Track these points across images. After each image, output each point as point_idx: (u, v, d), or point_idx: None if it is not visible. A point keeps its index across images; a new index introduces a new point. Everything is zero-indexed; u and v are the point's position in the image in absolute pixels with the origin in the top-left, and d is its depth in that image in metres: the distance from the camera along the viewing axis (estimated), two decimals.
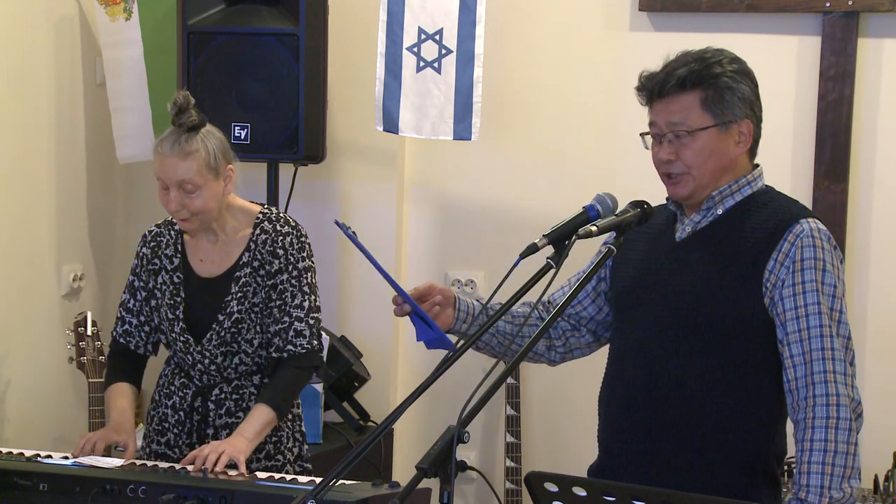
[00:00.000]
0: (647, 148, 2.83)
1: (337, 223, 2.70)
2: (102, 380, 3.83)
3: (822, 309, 2.66)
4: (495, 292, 2.52)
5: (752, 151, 2.83)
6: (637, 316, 2.83)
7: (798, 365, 2.65)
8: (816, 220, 2.73)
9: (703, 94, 2.73)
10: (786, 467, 4.08)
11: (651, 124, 2.80)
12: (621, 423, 2.83)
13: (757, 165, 2.84)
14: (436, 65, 4.35)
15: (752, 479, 2.74)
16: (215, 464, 3.06)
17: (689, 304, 2.74)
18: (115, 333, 3.48)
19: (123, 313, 3.46)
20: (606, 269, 2.95)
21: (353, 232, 2.67)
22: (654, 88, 2.77)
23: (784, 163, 4.43)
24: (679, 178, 2.77)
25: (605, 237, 2.74)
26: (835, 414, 2.60)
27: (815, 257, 2.68)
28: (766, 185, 2.84)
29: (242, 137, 4.31)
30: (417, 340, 2.78)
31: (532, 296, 2.58)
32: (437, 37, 4.34)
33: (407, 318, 2.79)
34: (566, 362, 3.10)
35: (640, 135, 2.83)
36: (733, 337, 2.71)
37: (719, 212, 2.79)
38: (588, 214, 2.63)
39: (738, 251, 2.73)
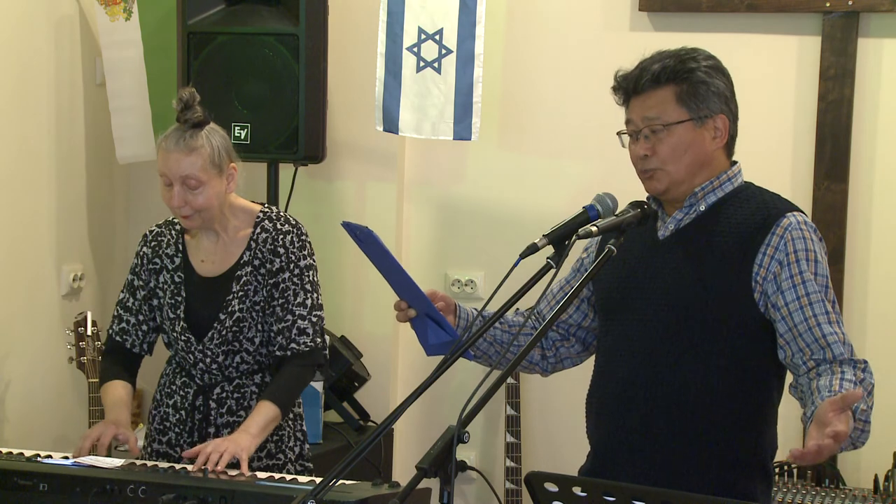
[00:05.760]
0: (623, 146, 2.84)
1: (346, 225, 2.66)
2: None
3: (822, 297, 2.68)
4: (495, 292, 2.52)
5: (730, 149, 2.84)
6: (625, 316, 2.83)
7: (816, 350, 2.64)
8: (802, 213, 2.76)
9: (678, 89, 2.74)
10: (781, 467, 4.10)
11: (627, 122, 2.82)
12: (615, 424, 2.82)
13: (735, 162, 2.85)
14: (436, 65, 4.35)
15: (748, 474, 2.76)
16: (217, 462, 3.06)
17: (678, 302, 2.74)
18: (111, 331, 3.47)
19: (121, 311, 3.46)
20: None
21: (367, 231, 2.63)
22: (629, 86, 2.78)
23: (784, 163, 4.43)
24: (653, 173, 2.78)
25: (585, 243, 2.72)
26: (861, 375, 2.60)
27: (807, 248, 2.70)
28: (746, 182, 2.85)
29: (242, 137, 4.31)
30: (429, 354, 2.78)
31: (532, 296, 2.58)
32: (437, 37, 4.34)
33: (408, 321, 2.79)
34: (557, 372, 3.09)
35: (618, 133, 2.84)
36: (723, 332, 2.72)
37: (702, 208, 2.79)
38: (588, 214, 2.63)
39: (724, 247, 2.73)
